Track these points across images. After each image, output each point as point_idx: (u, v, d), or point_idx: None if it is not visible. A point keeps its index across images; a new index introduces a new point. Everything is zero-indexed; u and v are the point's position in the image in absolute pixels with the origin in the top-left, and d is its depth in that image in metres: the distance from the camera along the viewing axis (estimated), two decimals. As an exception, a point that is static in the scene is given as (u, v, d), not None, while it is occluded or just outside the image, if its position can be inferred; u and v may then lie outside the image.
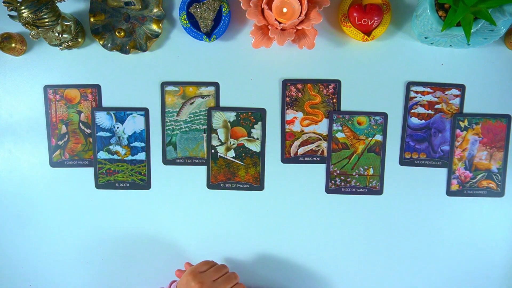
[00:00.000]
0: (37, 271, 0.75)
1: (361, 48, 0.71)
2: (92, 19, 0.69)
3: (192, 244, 0.74)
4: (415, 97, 0.72)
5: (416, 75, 0.71)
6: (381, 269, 0.74)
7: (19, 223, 0.75)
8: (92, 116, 0.73)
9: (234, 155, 0.73)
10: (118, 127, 0.73)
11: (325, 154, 0.73)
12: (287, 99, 0.72)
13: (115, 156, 0.74)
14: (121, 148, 0.73)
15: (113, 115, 0.73)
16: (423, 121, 0.72)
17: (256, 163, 0.73)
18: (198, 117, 0.73)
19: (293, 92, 0.72)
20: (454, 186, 0.73)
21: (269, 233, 0.74)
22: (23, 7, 0.58)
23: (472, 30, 0.58)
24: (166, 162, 0.73)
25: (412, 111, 0.72)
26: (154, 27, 0.69)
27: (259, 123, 0.73)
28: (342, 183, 0.73)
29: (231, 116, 0.73)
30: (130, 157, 0.74)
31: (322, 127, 0.73)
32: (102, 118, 0.73)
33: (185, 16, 0.68)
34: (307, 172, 0.73)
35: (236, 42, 0.71)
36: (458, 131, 0.72)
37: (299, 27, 0.65)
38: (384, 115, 0.72)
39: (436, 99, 0.72)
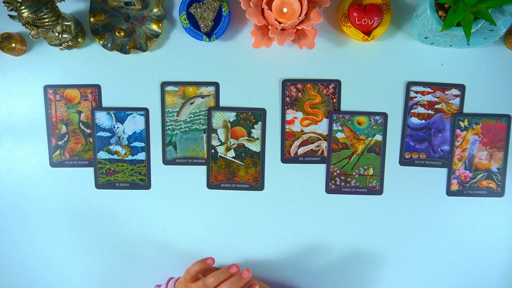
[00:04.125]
0: (37, 271, 0.75)
1: (361, 48, 0.71)
2: (92, 19, 0.69)
3: (192, 244, 0.74)
4: (415, 97, 0.72)
5: (416, 75, 0.71)
6: (380, 269, 0.74)
7: (19, 223, 0.75)
8: (92, 116, 0.73)
9: (234, 155, 0.73)
10: (118, 127, 0.73)
11: (325, 154, 0.73)
12: (287, 99, 0.72)
13: (115, 156, 0.74)
14: (121, 148, 0.73)
15: (113, 115, 0.73)
16: (423, 121, 0.72)
17: (256, 163, 0.73)
18: (198, 117, 0.73)
19: (293, 92, 0.72)
20: (454, 186, 0.73)
21: (269, 233, 0.74)
22: (23, 7, 0.58)
23: (472, 30, 0.58)
24: (166, 162, 0.73)
25: (412, 111, 0.72)
26: (154, 27, 0.69)
27: (259, 123, 0.73)
28: (342, 183, 0.73)
29: (231, 116, 0.73)
30: (130, 157, 0.74)
31: (322, 127, 0.73)
32: (102, 118, 0.73)
33: (185, 16, 0.68)
34: (307, 172, 0.73)
35: (236, 42, 0.71)
36: (458, 131, 0.72)
37: (299, 27, 0.65)
38: (384, 115, 0.72)
39: (436, 99, 0.72)
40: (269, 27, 0.64)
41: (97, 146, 0.73)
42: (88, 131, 0.73)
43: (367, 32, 0.67)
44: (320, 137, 0.73)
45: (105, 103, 0.73)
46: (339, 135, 0.72)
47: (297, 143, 0.73)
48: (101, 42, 0.70)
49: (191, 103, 0.72)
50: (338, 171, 0.73)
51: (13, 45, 0.69)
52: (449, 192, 0.73)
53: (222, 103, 0.73)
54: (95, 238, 0.75)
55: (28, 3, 0.58)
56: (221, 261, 0.74)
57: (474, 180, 0.73)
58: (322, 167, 0.73)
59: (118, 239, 0.75)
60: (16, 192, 0.74)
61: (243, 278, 0.58)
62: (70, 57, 0.72)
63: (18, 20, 0.59)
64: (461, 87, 0.71)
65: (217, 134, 0.73)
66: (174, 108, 0.73)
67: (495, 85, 0.71)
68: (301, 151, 0.73)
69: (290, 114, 0.72)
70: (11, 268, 0.75)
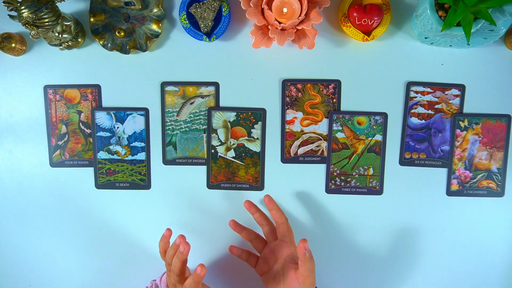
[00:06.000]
0: (37, 271, 0.75)
1: (361, 48, 0.71)
2: (92, 19, 0.69)
3: (192, 244, 0.74)
4: (415, 97, 0.72)
5: (416, 75, 0.71)
6: (380, 269, 0.74)
7: (19, 223, 0.75)
8: (92, 116, 0.73)
9: (234, 155, 0.73)
10: (118, 127, 0.73)
11: (325, 154, 0.73)
12: (287, 99, 0.72)
13: (115, 156, 0.74)
14: (121, 148, 0.73)
15: (113, 115, 0.73)
16: (423, 121, 0.72)
17: (256, 163, 0.73)
18: (198, 117, 0.73)
19: (293, 92, 0.72)
20: (454, 186, 0.73)
21: (269, 233, 0.74)
22: (23, 7, 0.58)
23: (472, 30, 0.58)
24: (166, 162, 0.73)
25: (412, 111, 0.72)
26: (154, 27, 0.69)
27: (259, 123, 0.73)
28: (342, 183, 0.73)
29: (231, 116, 0.73)
30: (130, 157, 0.74)
31: (322, 127, 0.73)
32: (102, 118, 0.73)
33: (185, 16, 0.68)
34: (307, 172, 0.73)
35: (236, 42, 0.71)
36: (458, 131, 0.72)
37: (299, 27, 0.65)
38: (384, 115, 0.72)
39: (436, 99, 0.72)
40: (269, 27, 0.64)
41: (97, 146, 0.73)
42: (88, 131, 0.73)
43: (367, 32, 0.67)
44: (320, 137, 0.73)
45: (105, 103, 0.73)
46: (339, 135, 0.72)
47: (297, 143, 0.73)
48: (101, 42, 0.70)
49: (191, 103, 0.72)
50: (338, 171, 0.73)
51: (13, 45, 0.69)
52: (449, 192, 0.73)
53: (222, 103, 0.73)
54: (95, 238, 0.75)
55: (28, 3, 0.58)
56: (221, 260, 0.74)
57: (474, 180, 0.73)
58: (322, 167, 0.73)
59: (117, 239, 0.75)
60: (16, 192, 0.74)
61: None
62: (70, 57, 0.72)
63: (18, 20, 0.59)
64: (461, 87, 0.71)
65: (217, 134, 0.73)
66: (174, 108, 0.73)
67: (495, 85, 0.71)
68: (301, 151, 0.73)
69: (290, 114, 0.72)
70: (11, 268, 0.75)
